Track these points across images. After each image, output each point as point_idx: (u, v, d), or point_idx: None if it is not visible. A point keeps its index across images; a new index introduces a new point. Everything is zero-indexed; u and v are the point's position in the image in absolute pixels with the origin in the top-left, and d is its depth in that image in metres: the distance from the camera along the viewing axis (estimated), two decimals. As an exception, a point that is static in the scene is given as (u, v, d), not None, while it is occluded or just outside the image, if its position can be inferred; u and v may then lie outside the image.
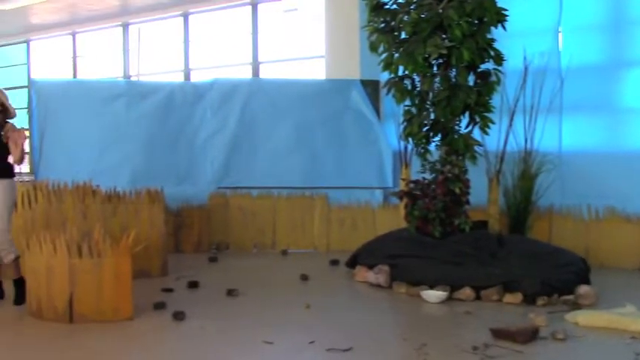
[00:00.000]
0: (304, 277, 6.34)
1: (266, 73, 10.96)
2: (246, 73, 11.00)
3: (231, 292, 5.61)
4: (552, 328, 4.39)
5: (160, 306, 5.06)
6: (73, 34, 13.28)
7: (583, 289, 5.35)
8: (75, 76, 13.27)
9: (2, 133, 5.22)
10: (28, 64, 14.06)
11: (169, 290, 5.71)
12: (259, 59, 11.00)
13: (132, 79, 12.09)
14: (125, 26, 12.52)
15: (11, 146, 5.16)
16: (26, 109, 9.61)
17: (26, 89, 11.08)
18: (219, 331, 4.51)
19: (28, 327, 4.64)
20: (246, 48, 11.11)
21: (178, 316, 4.77)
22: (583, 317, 4.68)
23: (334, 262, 7.15)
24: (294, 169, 8.64)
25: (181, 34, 11.84)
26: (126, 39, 12.55)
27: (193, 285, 5.95)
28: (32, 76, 13.01)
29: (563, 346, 4.18)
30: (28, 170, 9.89)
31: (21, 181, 7.88)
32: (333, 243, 8.23)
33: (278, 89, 9.15)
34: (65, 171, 7.56)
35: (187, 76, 11.72)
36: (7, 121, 5.31)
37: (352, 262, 6.58)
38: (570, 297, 5.29)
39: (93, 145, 8.65)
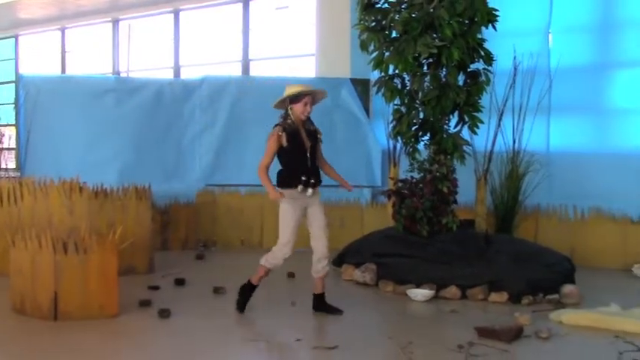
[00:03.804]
0: (291, 275, 6.33)
1: (256, 70, 10.94)
2: (236, 71, 10.97)
3: (217, 290, 5.61)
4: (537, 327, 4.42)
5: (145, 303, 5.04)
6: (62, 30, 13.19)
7: (568, 288, 5.40)
8: (63, 71, 13.17)
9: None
10: (16, 59, 13.95)
11: (155, 288, 5.69)
12: (250, 57, 10.97)
13: (121, 75, 12.03)
14: (115, 22, 12.45)
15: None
16: (13, 105, 9.54)
17: (13, 84, 11.01)
18: (205, 329, 4.50)
19: (10, 324, 4.61)
20: (237, 45, 11.08)
21: (164, 313, 4.75)
22: (567, 316, 4.72)
23: (322, 261, 7.14)
24: (284, 168, 8.61)
25: (172, 31, 11.79)
26: (116, 35, 12.49)
27: (180, 282, 5.94)
28: (20, 71, 12.93)
29: (547, 344, 4.20)
30: (14, 166, 9.80)
31: (7, 178, 7.85)
32: (321, 241, 8.20)
33: (268, 87, 9.07)
34: (52, 167, 7.49)
35: (177, 73, 11.67)
36: None
37: (339, 261, 6.58)
38: (555, 296, 5.34)
39: (81, 141, 8.59)
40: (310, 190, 4.79)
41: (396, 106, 6.63)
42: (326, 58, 9.59)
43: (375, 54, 6.50)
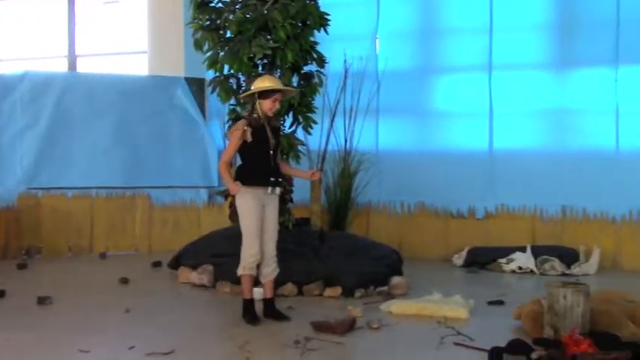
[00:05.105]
0: (124, 281, 6.10)
1: (84, 67, 10.38)
2: (61, 67, 10.33)
3: (42, 301, 5.24)
4: (368, 318, 4.64)
5: (-43, 319, 4.60)
6: None
7: (396, 280, 5.73)
8: None
9: None
10: None
11: (-31, 302, 5.21)
12: (76, 52, 10.39)
13: None
14: None
15: None
16: None
17: None
18: (29, 344, 4.18)
19: None
20: (62, 40, 10.43)
21: (-20, 329, 4.36)
22: (396, 306, 5.01)
23: (156, 264, 6.97)
24: (114, 169, 8.29)
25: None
26: None
27: (-1, 295, 5.48)
28: None
29: (379, 334, 4.43)
30: None
31: None
32: (155, 244, 8.02)
33: (97, 84, 8.72)
34: None
35: (-7, 67, 10.75)
36: None
37: (175, 263, 6.44)
38: (384, 288, 5.65)
39: None
40: (272, 189, 4.66)
41: (231, 107, 6.61)
42: (159, 56, 9.34)
43: (209, 53, 6.44)
